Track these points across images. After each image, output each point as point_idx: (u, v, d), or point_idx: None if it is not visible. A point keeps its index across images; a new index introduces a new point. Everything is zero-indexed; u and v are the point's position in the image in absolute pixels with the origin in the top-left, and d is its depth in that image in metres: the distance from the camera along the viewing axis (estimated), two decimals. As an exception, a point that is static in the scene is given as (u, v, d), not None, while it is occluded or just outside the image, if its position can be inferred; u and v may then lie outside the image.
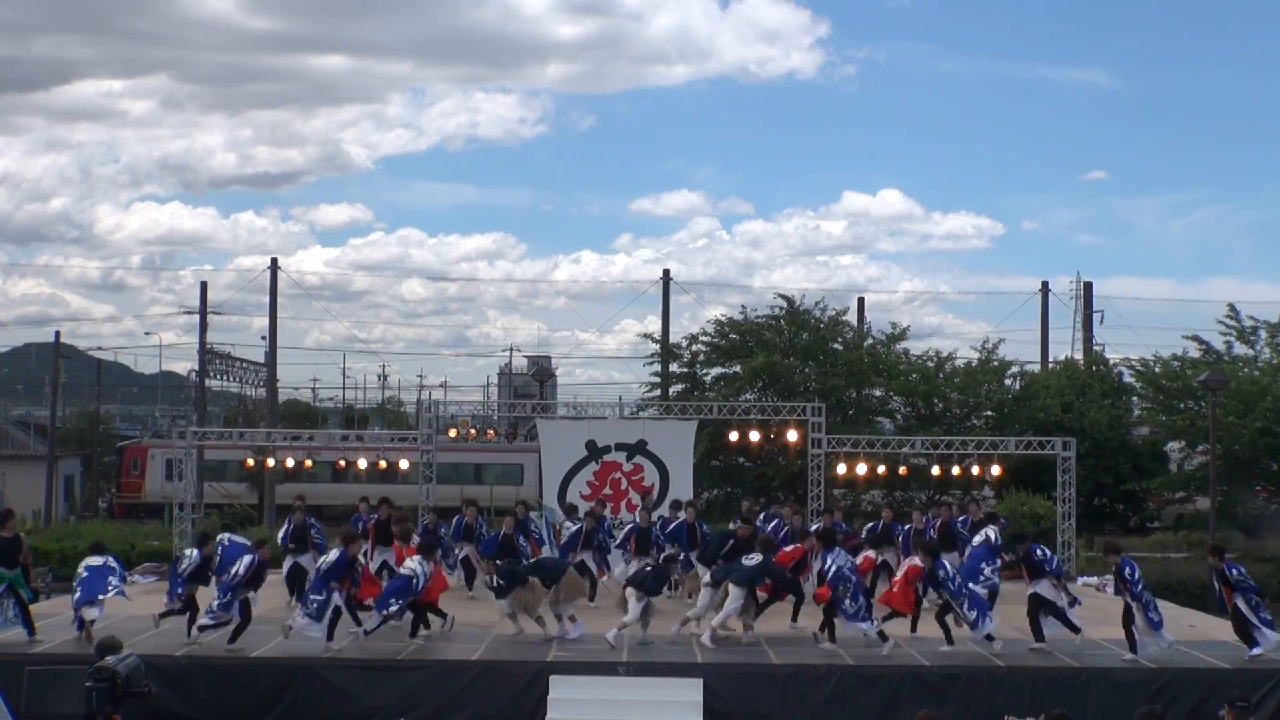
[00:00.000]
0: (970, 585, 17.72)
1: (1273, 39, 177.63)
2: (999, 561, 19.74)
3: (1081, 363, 43.90)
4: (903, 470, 33.66)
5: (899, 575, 19.15)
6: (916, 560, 18.42)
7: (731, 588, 17.69)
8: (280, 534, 21.90)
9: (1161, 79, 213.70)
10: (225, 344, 61.41)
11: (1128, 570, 16.88)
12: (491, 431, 35.98)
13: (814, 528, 21.45)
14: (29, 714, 13.40)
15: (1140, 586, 16.82)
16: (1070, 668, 16.62)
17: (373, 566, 20.38)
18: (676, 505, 22.38)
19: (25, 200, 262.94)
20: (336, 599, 16.93)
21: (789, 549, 19.34)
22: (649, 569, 18.36)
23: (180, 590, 17.61)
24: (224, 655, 16.82)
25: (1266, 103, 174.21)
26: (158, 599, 20.85)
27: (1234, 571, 17.27)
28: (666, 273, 46.92)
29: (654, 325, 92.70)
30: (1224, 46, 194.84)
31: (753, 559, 17.95)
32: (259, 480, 45.11)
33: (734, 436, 29.24)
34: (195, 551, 17.76)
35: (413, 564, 17.94)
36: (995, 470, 29.09)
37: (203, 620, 17.25)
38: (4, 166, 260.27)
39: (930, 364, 38.57)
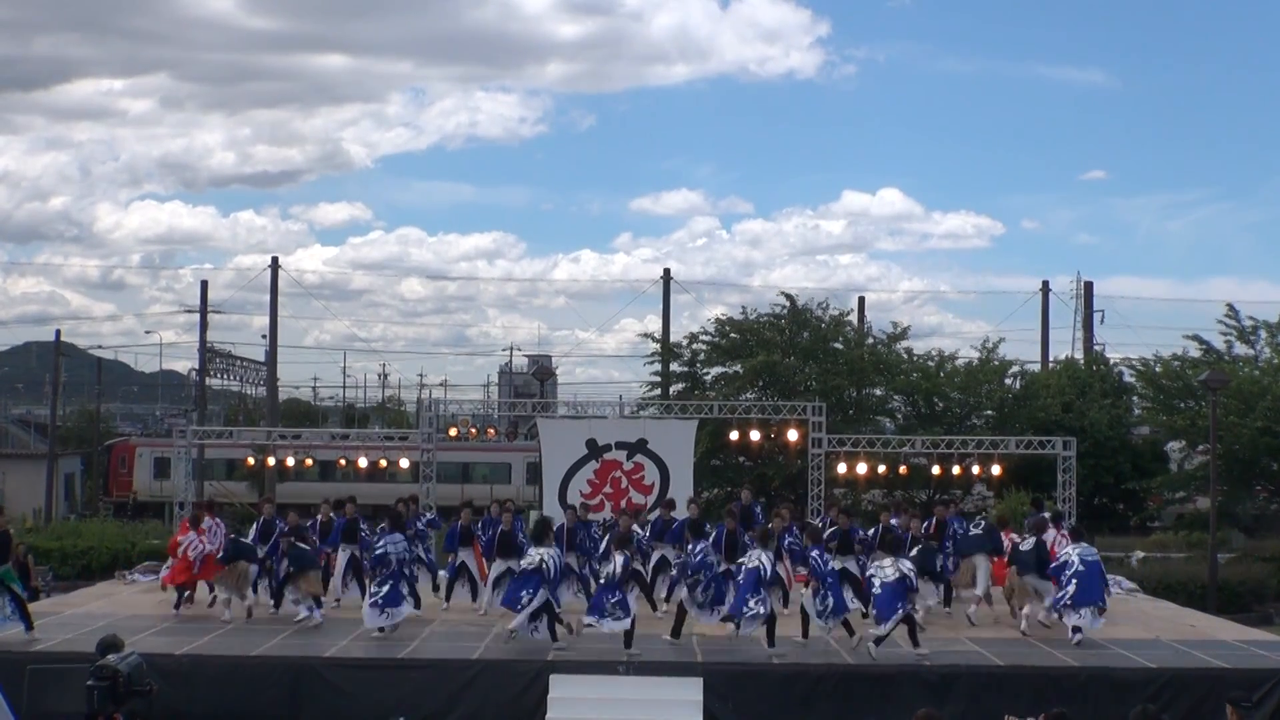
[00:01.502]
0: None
1: (1273, 39, 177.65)
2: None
3: (1082, 362, 43.93)
4: (903, 469, 33.68)
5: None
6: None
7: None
8: (250, 535, 21.79)
9: (1161, 79, 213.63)
10: (225, 343, 61.76)
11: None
12: (492, 430, 35.97)
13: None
14: (30, 713, 13.39)
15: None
16: (1070, 668, 16.63)
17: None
18: (669, 505, 21.14)
19: (25, 199, 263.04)
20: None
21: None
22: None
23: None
24: (224, 655, 16.84)
25: (1266, 103, 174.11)
26: (156, 598, 20.86)
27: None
28: (667, 272, 47.00)
29: (654, 324, 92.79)
30: (1223, 46, 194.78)
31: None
32: (259, 479, 45.12)
33: (734, 436, 29.29)
34: None
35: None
36: (995, 470, 29.09)
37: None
38: (4, 165, 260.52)
39: (931, 363, 38.61)
